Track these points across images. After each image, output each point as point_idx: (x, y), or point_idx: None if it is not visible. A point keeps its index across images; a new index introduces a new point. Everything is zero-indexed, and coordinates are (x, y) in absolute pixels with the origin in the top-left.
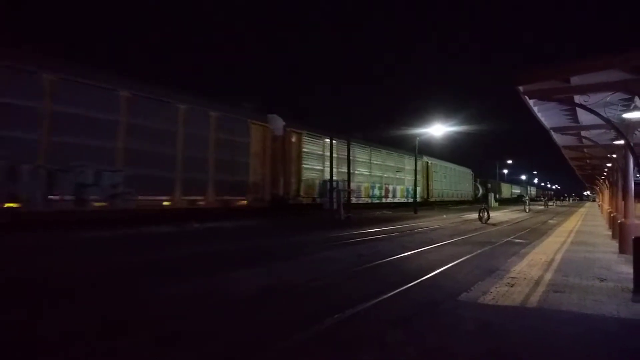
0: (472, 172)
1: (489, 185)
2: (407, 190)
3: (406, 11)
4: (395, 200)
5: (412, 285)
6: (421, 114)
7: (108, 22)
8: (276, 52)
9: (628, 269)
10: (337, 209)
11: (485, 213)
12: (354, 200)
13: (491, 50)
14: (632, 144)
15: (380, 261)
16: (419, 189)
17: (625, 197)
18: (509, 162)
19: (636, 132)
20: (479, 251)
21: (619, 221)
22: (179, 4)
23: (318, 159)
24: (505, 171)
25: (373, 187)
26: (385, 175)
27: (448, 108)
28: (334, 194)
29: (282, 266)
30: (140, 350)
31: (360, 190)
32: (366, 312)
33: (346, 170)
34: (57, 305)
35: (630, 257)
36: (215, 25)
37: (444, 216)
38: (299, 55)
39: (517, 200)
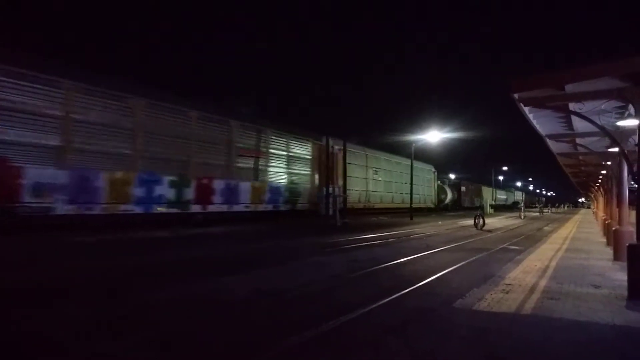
0: (434, 171)
1: (463, 189)
2: (289, 190)
3: (400, 12)
4: (249, 207)
5: (407, 292)
6: (416, 120)
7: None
8: (266, 52)
9: (622, 276)
10: (332, 214)
11: (481, 219)
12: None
13: (492, 53)
14: (626, 152)
15: (376, 267)
16: (308, 187)
17: (619, 204)
18: (504, 168)
19: (630, 140)
20: (474, 257)
21: (613, 228)
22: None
23: None
24: (501, 177)
25: (180, 184)
26: (216, 161)
27: (444, 114)
28: (330, 200)
29: (278, 271)
30: (132, 352)
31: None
32: (361, 318)
33: None
34: (50, 307)
35: (625, 264)
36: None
37: (439, 222)
38: (288, 56)
39: (502, 207)
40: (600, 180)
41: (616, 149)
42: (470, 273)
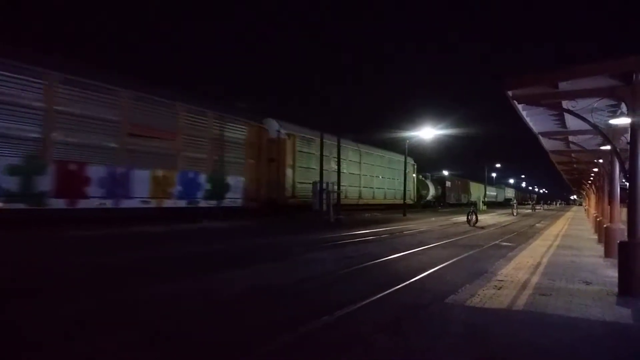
0: (413, 163)
1: (448, 184)
2: (213, 181)
3: (396, 11)
4: (149, 203)
5: (400, 288)
6: (410, 117)
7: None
8: (257, 51)
9: (613, 273)
10: (326, 210)
11: (474, 216)
12: None
13: (485, 52)
14: (618, 150)
15: (370, 263)
16: (240, 178)
17: (611, 201)
18: (497, 165)
19: (622, 138)
20: (466, 254)
21: (604, 225)
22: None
23: None
24: (494, 175)
25: (27, 170)
26: (95, 141)
27: (437, 112)
28: (324, 195)
29: (271, 267)
30: (125, 350)
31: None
32: (353, 314)
33: None
34: (38, 305)
35: (616, 261)
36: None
37: (432, 219)
38: (280, 55)
39: (494, 204)
40: (592, 178)
41: (608, 147)
42: (463, 269)
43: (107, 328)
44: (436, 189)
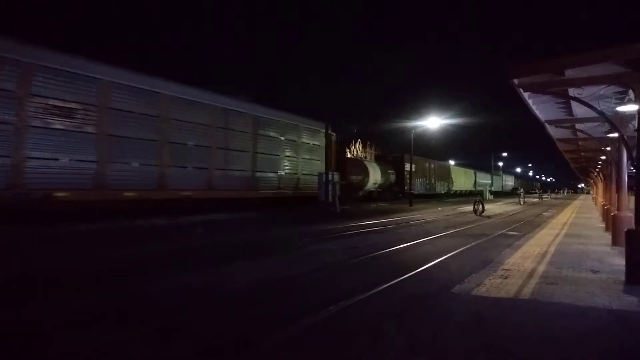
0: (331, 133)
1: (409, 167)
2: None
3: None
4: None
5: (406, 278)
6: (415, 107)
7: None
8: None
9: (620, 261)
10: (332, 201)
11: (480, 205)
12: None
13: (488, 41)
14: (625, 137)
15: (376, 253)
16: None
17: (618, 189)
18: (504, 154)
19: (630, 125)
20: (473, 243)
21: (612, 214)
22: None
23: None
24: (501, 163)
25: None
26: None
27: (443, 101)
28: (330, 187)
29: (277, 259)
30: (134, 342)
31: None
32: (360, 305)
33: None
34: (47, 298)
35: (623, 249)
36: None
37: (439, 209)
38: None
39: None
40: (599, 166)
41: (615, 135)
42: (469, 259)
43: (122, 318)
44: (384, 173)
